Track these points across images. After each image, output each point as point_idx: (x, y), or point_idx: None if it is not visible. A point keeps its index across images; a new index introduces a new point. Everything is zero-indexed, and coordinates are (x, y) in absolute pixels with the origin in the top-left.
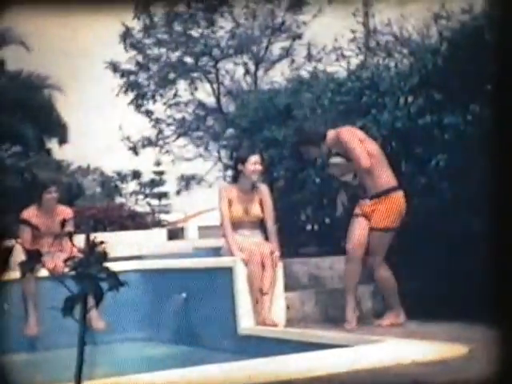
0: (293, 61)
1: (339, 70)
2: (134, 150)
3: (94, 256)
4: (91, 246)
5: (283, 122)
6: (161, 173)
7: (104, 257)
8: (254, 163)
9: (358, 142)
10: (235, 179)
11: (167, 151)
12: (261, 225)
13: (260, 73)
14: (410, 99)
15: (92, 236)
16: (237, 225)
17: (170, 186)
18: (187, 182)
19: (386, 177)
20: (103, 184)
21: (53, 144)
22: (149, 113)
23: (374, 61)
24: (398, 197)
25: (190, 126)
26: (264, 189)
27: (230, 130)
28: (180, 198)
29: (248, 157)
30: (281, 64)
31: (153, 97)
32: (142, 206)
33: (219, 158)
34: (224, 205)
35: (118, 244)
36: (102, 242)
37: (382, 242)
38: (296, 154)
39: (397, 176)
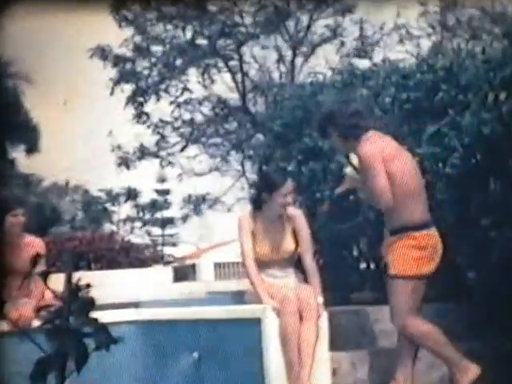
0: (342, 43)
1: (405, 56)
2: (127, 162)
3: (77, 304)
4: (73, 290)
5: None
6: (164, 192)
7: (90, 305)
8: (284, 195)
9: (381, 164)
10: (259, 206)
11: (172, 163)
12: (297, 262)
13: (298, 60)
14: (501, 96)
15: (74, 277)
16: (265, 264)
17: (176, 210)
18: (198, 204)
19: (416, 208)
20: (87, 206)
21: (18, 153)
22: (148, 114)
23: (452, 44)
24: (431, 235)
25: (205, 130)
26: (298, 216)
27: (259, 136)
28: (190, 225)
29: (278, 185)
30: (326, 48)
31: (155, 92)
32: (139, 237)
33: (243, 173)
34: (246, 239)
35: (109, 287)
36: (87, 286)
37: (408, 292)
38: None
39: (481, 197)
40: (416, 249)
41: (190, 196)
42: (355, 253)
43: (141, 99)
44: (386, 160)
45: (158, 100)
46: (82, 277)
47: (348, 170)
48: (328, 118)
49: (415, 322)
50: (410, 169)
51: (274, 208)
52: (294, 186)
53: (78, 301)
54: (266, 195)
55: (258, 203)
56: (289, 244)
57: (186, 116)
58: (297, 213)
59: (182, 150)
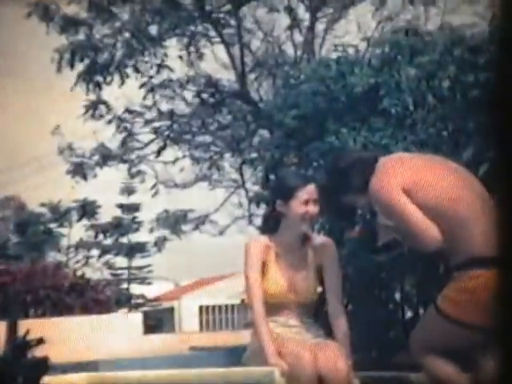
0: (382, 2)
1: (474, 20)
2: (82, 168)
3: (26, 367)
4: (19, 346)
5: (361, 120)
6: (133, 208)
7: (43, 367)
8: (306, 201)
9: (402, 196)
10: (273, 226)
11: (143, 171)
12: (318, 309)
13: (320, 27)
14: None
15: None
16: (275, 308)
17: (148, 233)
18: (179, 224)
19: (476, 237)
20: (24, 227)
21: None
22: (109, 102)
23: None
24: (486, 276)
25: (189, 124)
26: (328, 245)
27: (263, 133)
28: (167, 253)
29: (297, 188)
30: (359, 9)
31: (119, 70)
32: (97, 270)
33: (241, 183)
34: (254, 273)
35: (55, 341)
36: (39, 341)
37: (445, 333)
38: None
39: None
40: (479, 290)
41: (167, 213)
42: (397, 296)
43: (99, 79)
44: (408, 190)
45: (123, 82)
46: (19, 326)
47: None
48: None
49: (435, 362)
50: (451, 190)
51: (293, 225)
52: (318, 192)
53: (26, 363)
54: (281, 205)
55: (271, 221)
56: (311, 283)
57: (164, 105)
58: (326, 241)
59: (158, 152)
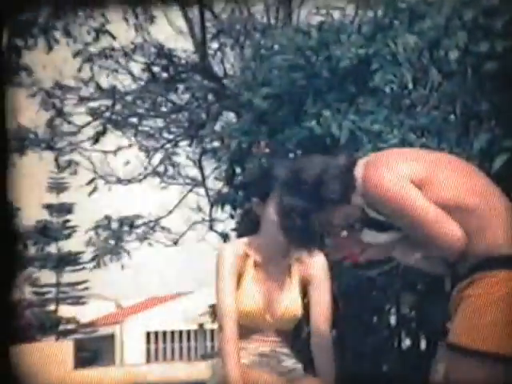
0: None
1: None
2: None
3: None
4: None
5: (348, 100)
6: (63, 210)
7: None
8: None
9: (417, 192)
10: (250, 228)
11: (77, 162)
12: (298, 335)
13: None
14: None
15: None
16: (246, 331)
17: (83, 241)
18: (122, 231)
19: (495, 233)
20: None
21: None
22: (32, 70)
23: None
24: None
25: (135, 105)
26: (317, 256)
27: (228, 116)
28: (107, 267)
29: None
30: None
31: (45, 33)
32: (16, 287)
33: (201, 180)
34: (229, 285)
35: None
36: None
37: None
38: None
39: None
40: (500, 303)
41: (107, 218)
42: (392, 320)
43: (19, 43)
44: (418, 184)
45: (50, 48)
46: None
47: (367, 233)
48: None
49: None
50: (468, 187)
51: (273, 231)
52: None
53: None
54: (257, 205)
55: (249, 221)
56: (293, 303)
57: (103, 79)
58: (313, 255)
59: (96, 138)
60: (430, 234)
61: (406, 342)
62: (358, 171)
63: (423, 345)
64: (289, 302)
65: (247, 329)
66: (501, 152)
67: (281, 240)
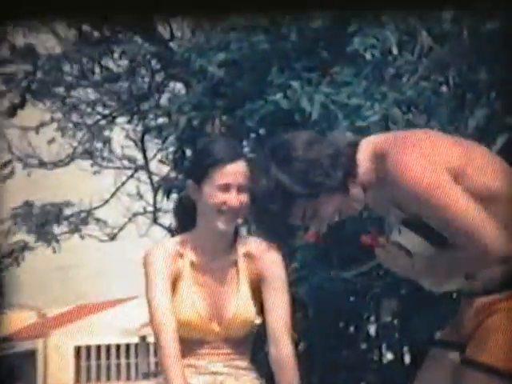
0: None
1: None
2: None
3: None
4: None
5: (321, 69)
6: None
7: None
8: (224, 186)
9: (454, 184)
10: (185, 223)
11: None
12: (257, 347)
13: None
14: None
15: None
16: (192, 345)
17: None
18: (46, 223)
19: None
20: None
21: None
22: None
23: None
24: None
25: (60, 71)
26: (269, 251)
27: (176, 88)
28: (28, 268)
29: (213, 165)
30: None
31: None
32: None
33: (145, 164)
34: (162, 293)
35: None
36: None
37: None
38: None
39: None
40: None
41: (28, 207)
42: (372, 330)
43: None
44: (454, 174)
45: None
46: None
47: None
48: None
49: None
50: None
51: (208, 220)
52: (247, 171)
53: None
54: (192, 188)
55: (184, 213)
56: (243, 306)
57: (19, 38)
58: (265, 246)
59: (13, 111)
60: (465, 231)
61: (388, 356)
62: (365, 154)
63: (407, 359)
64: (237, 305)
65: (192, 342)
66: (503, 130)
67: (222, 230)
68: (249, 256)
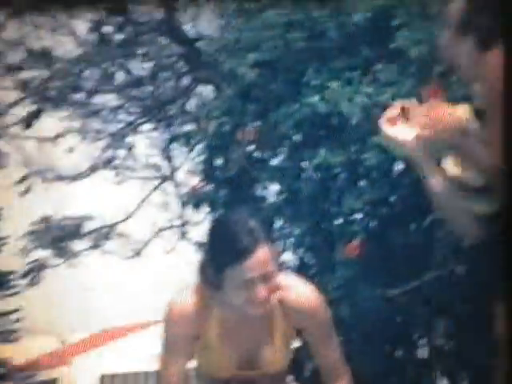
0: None
1: None
2: None
3: None
4: None
5: (362, 68)
6: None
7: None
8: (249, 282)
9: None
10: (213, 283)
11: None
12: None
13: None
14: None
15: None
16: (226, 381)
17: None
18: (65, 239)
19: None
20: None
21: None
22: None
23: None
24: None
25: (79, 76)
26: (311, 306)
27: (204, 92)
28: (47, 290)
29: (231, 263)
30: None
31: None
32: None
33: (171, 173)
34: (175, 358)
35: None
36: None
37: None
38: None
39: None
40: None
41: (45, 222)
42: (423, 354)
43: None
44: None
45: None
46: None
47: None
48: None
49: None
50: None
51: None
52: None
53: None
54: (213, 275)
55: (212, 278)
56: (279, 356)
57: (35, 41)
58: (307, 298)
59: (29, 121)
60: None
61: (442, 383)
62: None
63: None
64: (270, 356)
65: (226, 380)
66: None
67: (254, 314)
68: (284, 305)
